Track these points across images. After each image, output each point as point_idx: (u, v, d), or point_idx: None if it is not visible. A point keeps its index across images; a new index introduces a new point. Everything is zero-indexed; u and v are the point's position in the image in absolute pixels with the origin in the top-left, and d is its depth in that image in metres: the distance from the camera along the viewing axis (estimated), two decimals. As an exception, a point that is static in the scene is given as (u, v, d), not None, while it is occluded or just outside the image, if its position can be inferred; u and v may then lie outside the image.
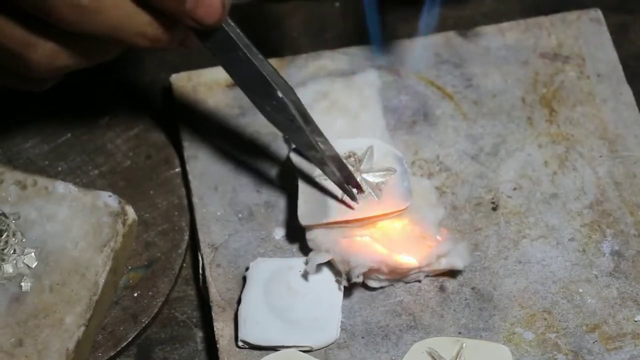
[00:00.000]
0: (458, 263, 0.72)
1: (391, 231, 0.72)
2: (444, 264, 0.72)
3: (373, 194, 0.72)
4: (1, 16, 0.62)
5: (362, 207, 0.71)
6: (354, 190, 0.72)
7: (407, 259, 0.71)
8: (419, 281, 0.72)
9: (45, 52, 0.63)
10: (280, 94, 0.67)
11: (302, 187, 0.72)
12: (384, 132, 0.76)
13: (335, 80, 0.78)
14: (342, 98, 0.76)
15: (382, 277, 0.72)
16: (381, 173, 0.72)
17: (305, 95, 0.73)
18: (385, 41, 0.80)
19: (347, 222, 0.71)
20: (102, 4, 0.61)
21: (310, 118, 0.70)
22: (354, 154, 0.73)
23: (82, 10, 0.61)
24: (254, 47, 0.66)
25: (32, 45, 0.63)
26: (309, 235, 0.71)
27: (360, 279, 0.71)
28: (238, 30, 0.66)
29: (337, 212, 0.71)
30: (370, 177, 0.72)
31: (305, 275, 0.71)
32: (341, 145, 0.73)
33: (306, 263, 0.71)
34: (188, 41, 0.65)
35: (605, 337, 0.71)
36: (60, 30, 0.62)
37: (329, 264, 0.71)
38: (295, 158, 0.73)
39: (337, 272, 0.71)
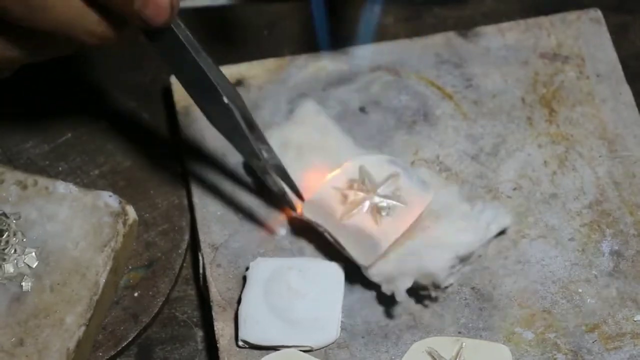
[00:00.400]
0: (506, 221, 0.73)
1: (424, 228, 0.72)
2: (494, 229, 0.72)
3: (399, 203, 0.71)
4: None
5: (399, 220, 0.71)
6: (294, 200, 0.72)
7: (466, 241, 0.71)
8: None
9: None
10: (225, 100, 0.67)
11: (341, 237, 0.71)
12: (354, 147, 0.75)
13: (284, 126, 0.76)
14: (302, 138, 0.75)
15: (456, 268, 0.72)
16: (389, 183, 0.72)
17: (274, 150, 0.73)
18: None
19: (396, 241, 0.71)
20: (50, 1, 0.60)
21: (255, 125, 0.70)
22: (355, 181, 0.72)
23: (30, 6, 0.60)
24: (203, 51, 0.66)
25: None
26: (373, 272, 0.71)
27: (451, 281, 0.71)
28: (187, 33, 0.65)
29: (385, 237, 0.70)
30: (385, 191, 0.72)
31: (306, 276, 0.72)
32: (338, 180, 0.72)
33: (391, 293, 0.70)
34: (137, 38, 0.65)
35: (605, 337, 0.71)
36: (9, 24, 0.62)
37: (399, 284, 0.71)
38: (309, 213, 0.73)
39: (421, 288, 0.71)
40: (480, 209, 0.73)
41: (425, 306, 0.72)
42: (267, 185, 0.71)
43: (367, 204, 0.71)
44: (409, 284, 0.70)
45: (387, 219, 0.71)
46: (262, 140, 0.71)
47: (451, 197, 0.73)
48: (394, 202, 0.71)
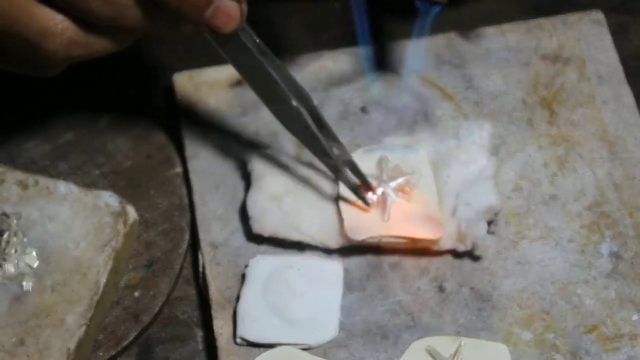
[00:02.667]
0: (487, 128, 0.76)
1: (445, 181, 0.74)
2: (485, 142, 0.76)
3: (409, 174, 0.73)
4: (20, 3, 0.62)
5: (423, 185, 0.73)
6: (369, 194, 0.73)
7: (483, 163, 0.74)
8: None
9: (62, 42, 0.62)
10: (294, 103, 0.68)
11: (400, 231, 0.73)
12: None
13: (254, 191, 0.75)
14: (280, 185, 0.75)
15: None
16: (385, 164, 0.74)
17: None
18: (375, 42, 0.80)
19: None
20: (125, 6, 0.61)
21: (325, 123, 0.71)
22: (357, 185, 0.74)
23: (116, 5, 0.61)
24: (270, 53, 0.67)
25: (50, 35, 0.62)
26: (444, 242, 0.73)
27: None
28: (254, 36, 0.66)
29: (433, 203, 0.73)
30: (389, 173, 0.74)
31: (305, 275, 0.72)
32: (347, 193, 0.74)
33: (471, 248, 0.73)
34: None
35: (603, 338, 0.71)
36: (79, 21, 0.62)
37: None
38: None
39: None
40: (467, 133, 0.75)
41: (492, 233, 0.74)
42: (341, 181, 0.72)
43: (388, 191, 0.73)
44: (484, 227, 0.72)
45: (415, 191, 0.73)
46: (333, 137, 0.71)
47: (442, 144, 0.75)
48: (404, 176, 0.73)
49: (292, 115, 0.69)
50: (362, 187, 0.73)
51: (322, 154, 0.71)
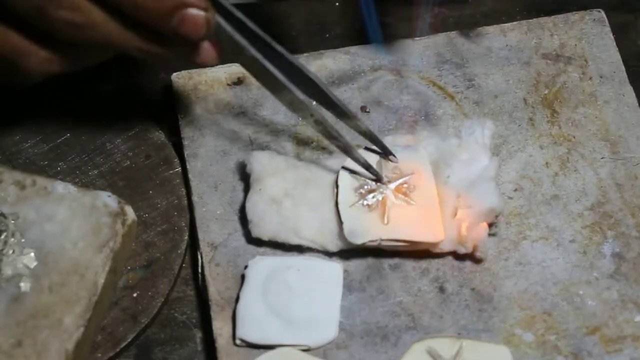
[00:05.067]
0: (489, 126, 0.76)
1: (445, 181, 0.74)
2: (487, 141, 0.75)
3: (408, 174, 0.74)
4: None
5: (423, 187, 0.73)
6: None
7: (484, 164, 0.74)
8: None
9: (39, 60, 0.64)
10: (297, 95, 0.69)
11: (400, 234, 0.73)
12: (320, 166, 0.76)
13: (253, 192, 0.75)
14: (279, 187, 0.74)
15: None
16: (384, 165, 0.74)
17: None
18: (387, 40, 0.80)
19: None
20: (94, 21, 0.62)
21: (332, 101, 0.71)
22: (357, 187, 0.74)
23: (76, 26, 0.62)
24: (274, 43, 0.68)
25: (26, 54, 0.64)
26: (444, 245, 0.72)
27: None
28: (253, 28, 0.67)
29: (432, 205, 0.73)
30: (389, 174, 0.74)
31: (305, 275, 0.72)
32: (347, 196, 0.74)
33: (470, 251, 0.73)
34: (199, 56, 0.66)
35: (605, 340, 0.70)
36: (55, 39, 0.63)
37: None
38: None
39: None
40: (469, 131, 0.75)
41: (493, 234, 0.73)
42: (353, 160, 0.73)
43: (388, 194, 0.73)
44: (485, 230, 0.72)
45: (415, 193, 0.73)
46: (345, 114, 0.72)
47: (443, 143, 0.75)
48: (404, 177, 0.73)
49: (297, 105, 0.70)
50: (381, 158, 0.74)
51: (330, 137, 0.72)
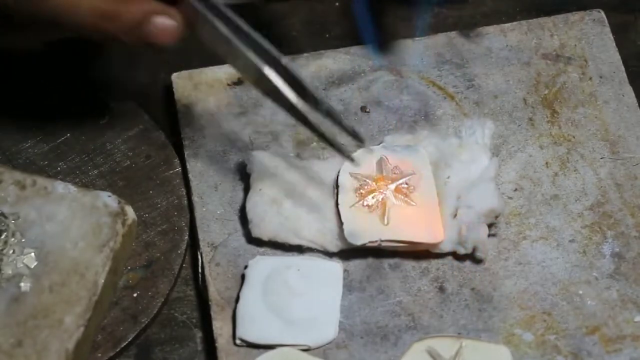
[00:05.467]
0: (490, 126, 0.76)
1: (445, 182, 0.74)
2: (487, 140, 0.76)
3: (409, 174, 0.74)
4: None
5: (423, 188, 0.74)
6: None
7: (485, 164, 0.74)
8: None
9: None
10: (264, 70, 0.66)
11: (399, 235, 0.73)
12: (322, 161, 0.76)
13: (253, 192, 0.74)
14: (279, 188, 0.75)
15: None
16: (385, 166, 0.74)
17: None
18: (383, 41, 0.80)
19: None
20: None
21: (304, 84, 0.68)
22: (358, 188, 0.74)
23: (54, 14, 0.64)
24: (241, 22, 0.67)
25: None
26: (444, 245, 0.72)
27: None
28: (223, 9, 0.66)
29: (432, 205, 0.73)
30: (389, 174, 0.74)
31: (305, 275, 0.72)
32: (347, 197, 0.74)
33: (472, 251, 0.72)
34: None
35: (605, 339, 0.71)
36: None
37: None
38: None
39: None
40: (469, 132, 0.76)
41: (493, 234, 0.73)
42: (325, 143, 0.69)
43: (388, 194, 0.73)
44: (485, 230, 0.72)
45: (415, 193, 0.73)
46: (315, 99, 0.68)
47: (443, 143, 0.75)
48: (404, 178, 0.73)
49: (265, 84, 0.67)
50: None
51: (304, 122, 0.68)
